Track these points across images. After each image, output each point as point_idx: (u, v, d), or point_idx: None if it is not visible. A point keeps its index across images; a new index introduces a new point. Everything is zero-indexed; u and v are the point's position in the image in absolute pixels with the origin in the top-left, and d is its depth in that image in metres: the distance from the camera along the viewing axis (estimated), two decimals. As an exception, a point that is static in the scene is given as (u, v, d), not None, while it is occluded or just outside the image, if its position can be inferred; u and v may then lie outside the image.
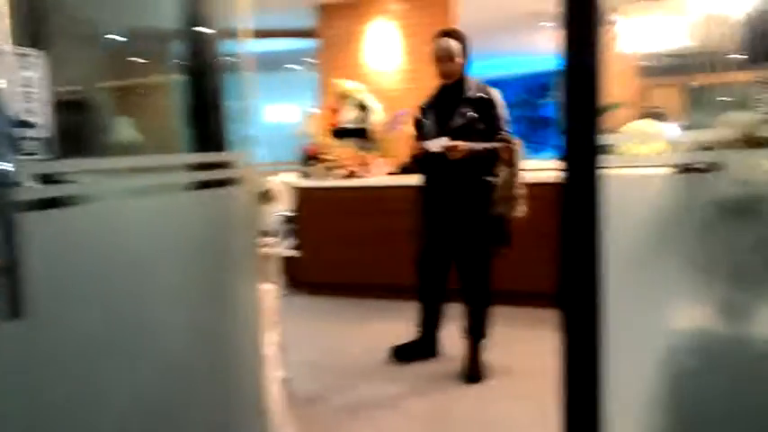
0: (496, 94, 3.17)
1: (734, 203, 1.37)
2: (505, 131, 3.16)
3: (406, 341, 3.40)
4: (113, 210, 1.64)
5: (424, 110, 3.25)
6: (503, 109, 3.18)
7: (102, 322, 1.54)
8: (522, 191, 3.19)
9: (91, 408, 1.51)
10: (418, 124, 3.29)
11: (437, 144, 3.11)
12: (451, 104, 3.16)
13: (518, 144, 3.17)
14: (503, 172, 3.13)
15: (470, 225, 3.20)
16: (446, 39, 3.12)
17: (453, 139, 3.09)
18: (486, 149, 3.11)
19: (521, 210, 3.17)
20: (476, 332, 3.25)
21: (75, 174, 1.62)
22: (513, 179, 3.13)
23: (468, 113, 3.11)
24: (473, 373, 3.20)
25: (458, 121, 3.12)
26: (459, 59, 3.10)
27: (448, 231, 3.22)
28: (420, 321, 3.39)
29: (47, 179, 1.48)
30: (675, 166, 1.49)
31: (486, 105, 3.14)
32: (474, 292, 3.26)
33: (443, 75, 3.15)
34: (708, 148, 1.48)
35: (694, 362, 1.47)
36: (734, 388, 1.48)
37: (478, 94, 3.14)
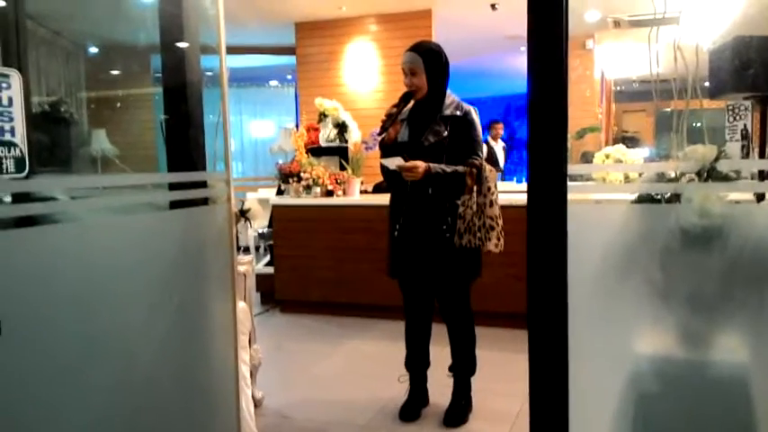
0: (474, 115, 3.02)
1: (694, 234, 1.42)
2: (477, 156, 2.98)
3: (405, 400, 3.29)
4: (88, 229, 1.64)
5: (393, 120, 3.06)
6: (479, 131, 3.04)
7: (76, 342, 1.53)
8: (497, 223, 2.96)
9: (66, 428, 1.50)
10: (384, 139, 3.11)
11: (393, 162, 2.91)
12: (426, 120, 3.01)
13: (489, 170, 2.99)
14: (469, 200, 2.94)
15: (434, 256, 3.00)
16: (409, 53, 2.97)
17: (424, 157, 2.92)
18: (445, 172, 2.92)
19: (493, 244, 2.94)
20: (461, 370, 3.17)
21: (51, 192, 1.63)
22: (481, 209, 2.93)
23: (443, 132, 2.96)
24: (455, 416, 3.11)
25: (430, 138, 2.97)
26: (421, 74, 2.95)
27: (414, 263, 3.07)
28: (409, 363, 3.29)
29: (21, 198, 1.49)
30: (639, 197, 1.54)
31: (461, 125, 2.98)
32: (454, 329, 3.14)
33: (407, 89, 3.04)
34: (671, 179, 1.53)
35: (656, 386, 1.52)
36: (695, 412, 1.52)
37: (456, 113, 2.99)
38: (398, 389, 3.29)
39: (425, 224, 3.01)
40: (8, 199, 1.53)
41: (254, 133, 11.38)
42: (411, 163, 2.90)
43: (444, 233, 2.97)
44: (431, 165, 2.91)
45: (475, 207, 2.94)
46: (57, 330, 1.49)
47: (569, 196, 1.48)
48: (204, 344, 2.04)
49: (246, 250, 6.53)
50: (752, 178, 1.84)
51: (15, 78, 1.55)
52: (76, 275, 1.55)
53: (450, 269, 3.02)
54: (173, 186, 2.01)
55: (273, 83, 11.02)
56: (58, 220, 1.59)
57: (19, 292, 1.37)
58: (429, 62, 2.96)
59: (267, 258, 6.05)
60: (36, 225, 1.49)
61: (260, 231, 6.43)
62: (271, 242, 5.78)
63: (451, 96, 3.03)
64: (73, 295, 1.54)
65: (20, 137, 1.53)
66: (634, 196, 1.58)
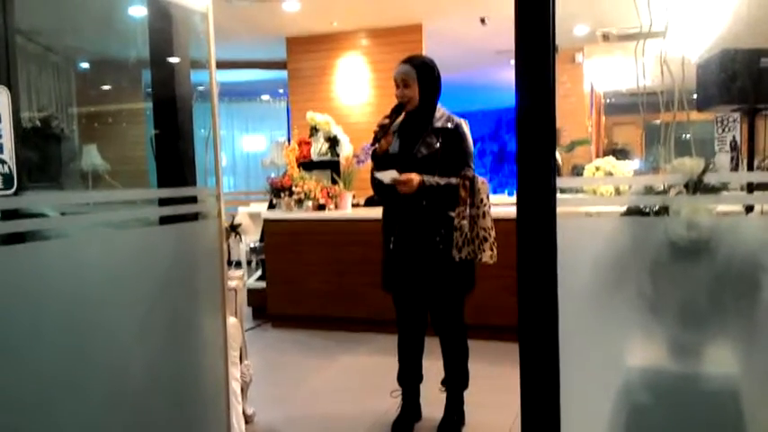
0: (465, 128, 3.05)
1: (683, 246, 1.43)
2: (468, 167, 3.01)
3: (397, 414, 3.27)
4: (78, 245, 1.63)
5: (386, 131, 3.05)
6: (470, 143, 3.07)
7: (66, 358, 1.52)
8: (490, 234, 2.99)
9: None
10: (375, 151, 3.09)
11: (387, 176, 2.93)
12: (416, 132, 3.04)
13: (481, 182, 3.02)
14: (463, 211, 2.96)
15: (430, 269, 3.01)
16: (403, 64, 3.02)
17: (417, 169, 2.94)
18: (438, 184, 2.95)
19: (488, 255, 2.96)
20: (453, 384, 3.17)
21: (40, 208, 1.62)
22: (474, 220, 2.96)
23: (435, 144, 2.99)
24: (448, 430, 3.11)
25: (423, 150, 2.99)
26: (414, 85, 2.99)
27: (409, 275, 3.07)
28: (402, 378, 3.28)
29: (10, 214, 1.48)
30: (629, 209, 1.55)
31: (453, 138, 3.01)
32: (447, 342, 3.14)
33: (399, 100, 3.06)
34: (660, 192, 1.54)
35: (648, 397, 1.52)
36: (686, 424, 1.52)
37: (447, 125, 3.01)
38: (391, 403, 3.28)
39: (420, 237, 3.02)
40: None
41: (245, 147, 11.38)
42: (405, 176, 2.91)
43: (438, 245, 2.98)
44: (424, 177, 2.93)
45: (468, 219, 2.96)
46: (46, 346, 1.47)
47: (559, 209, 1.48)
48: (194, 360, 2.03)
49: (238, 264, 6.51)
50: (742, 189, 1.85)
51: (3, 94, 1.55)
52: (66, 291, 1.54)
53: (446, 282, 3.02)
54: (163, 202, 2.01)
55: (265, 97, 11.04)
56: (48, 236, 1.58)
57: (8, 309, 1.36)
58: (422, 74, 3.00)
59: (259, 273, 6.02)
60: (25, 242, 1.49)
61: (252, 245, 6.42)
62: (263, 256, 5.76)
63: (441, 109, 3.06)
64: (62, 311, 1.53)
65: (8, 153, 1.53)
66: (624, 208, 1.59)
